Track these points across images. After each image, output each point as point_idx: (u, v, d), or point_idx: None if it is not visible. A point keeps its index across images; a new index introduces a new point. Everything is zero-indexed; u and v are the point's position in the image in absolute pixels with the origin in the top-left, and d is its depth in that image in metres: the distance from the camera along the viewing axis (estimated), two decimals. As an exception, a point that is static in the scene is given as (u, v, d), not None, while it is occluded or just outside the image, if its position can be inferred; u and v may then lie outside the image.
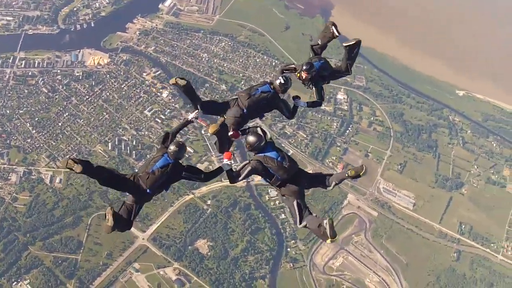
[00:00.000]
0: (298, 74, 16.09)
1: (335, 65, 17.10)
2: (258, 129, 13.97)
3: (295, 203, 13.26)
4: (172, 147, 13.04)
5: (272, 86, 14.92)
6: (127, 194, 13.11)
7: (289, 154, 14.16)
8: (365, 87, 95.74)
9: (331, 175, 13.92)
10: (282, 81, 14.82)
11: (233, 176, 13.25)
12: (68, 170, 12.35)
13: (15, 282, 69.97)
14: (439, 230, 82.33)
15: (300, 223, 13.22)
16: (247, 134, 13.89)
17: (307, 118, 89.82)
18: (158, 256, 73.89)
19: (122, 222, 12.49)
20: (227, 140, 14.18)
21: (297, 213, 13.23)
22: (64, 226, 74.40)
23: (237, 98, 14.71)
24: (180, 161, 13.35)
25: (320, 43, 16.67)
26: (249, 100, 14.50)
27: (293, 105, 15.98)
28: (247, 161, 13.45)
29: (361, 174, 13.26)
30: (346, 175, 13.36)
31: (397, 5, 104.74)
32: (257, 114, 15.20)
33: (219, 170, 13.60)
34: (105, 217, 12.10)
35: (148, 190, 12.79)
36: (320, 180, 14.10)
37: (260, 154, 13.35)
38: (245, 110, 14.45)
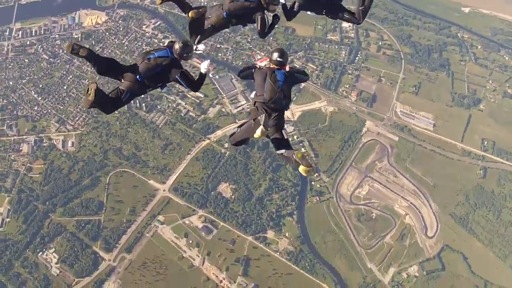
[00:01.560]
0: None
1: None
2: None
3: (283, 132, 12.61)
4: (177, 45, 12.74)
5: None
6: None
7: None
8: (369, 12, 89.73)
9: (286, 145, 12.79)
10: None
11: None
12: (73, 54, 12.06)
13: (40, 252, 67.86)
14: (462, 148, 79.63)
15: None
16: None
17: (314, 50, 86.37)
18: (182, 206, 71.35)
19: (105, 100, 12.18)
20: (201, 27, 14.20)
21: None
22: (82, 188, 71.85)
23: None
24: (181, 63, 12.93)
25: None
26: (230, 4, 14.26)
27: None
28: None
29: (305, 170, 11.92)
30: (293, 155, 12.20)
31: None
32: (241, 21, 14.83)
33: (202, 76, 13.16)
34: (87, 91, 11.77)
35: (138, 77, 12.50)
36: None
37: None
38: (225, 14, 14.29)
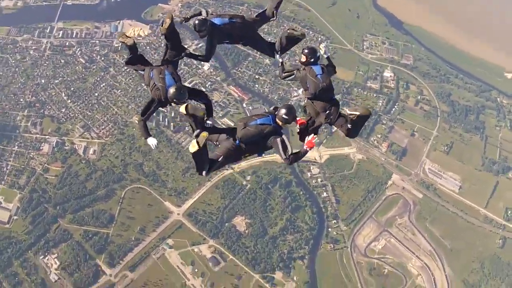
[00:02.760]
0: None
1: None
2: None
3: None
4: (282, 111, 12.00)
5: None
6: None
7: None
8: (412, 65, 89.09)
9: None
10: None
11: None
12: (187, 115, 12.05)
13: (42, 256, 65.98)
14: (485, 215, 75.92)
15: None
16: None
17: (352, 95, 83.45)
18: (193, 233, 68.90)
19: (205, 156, 11.75)
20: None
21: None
22: (96, 199, 69.77)
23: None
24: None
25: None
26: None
27: None
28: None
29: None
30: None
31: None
32: None
33: (304, 151, 12.19)
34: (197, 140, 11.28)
35: (237, 142, 12.08)
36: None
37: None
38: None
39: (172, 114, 76.49)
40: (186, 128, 75.21)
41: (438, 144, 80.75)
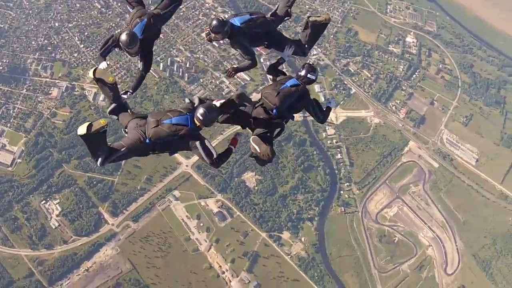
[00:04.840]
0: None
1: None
2: None
3: None
4: (199, 110, 10.13)
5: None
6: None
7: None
8: (435, 33, 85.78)
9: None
10: None
11: None
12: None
13: (43, 201, 63.20)
14: (500, 190, 73.41)
15: None
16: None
17: (373, 58, 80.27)
18: (201, 186, 66.09)
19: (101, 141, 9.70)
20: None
21: None
22: None
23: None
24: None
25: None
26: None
27: None
28: None
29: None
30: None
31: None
32: None
33: (229, 151, 10.82)
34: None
35: (147, 139, 10.21)
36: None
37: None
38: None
39: (187, 65, 73.71)
40: (201, 80, 72.87)
41: (457, 115, 77.78)
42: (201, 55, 75.63)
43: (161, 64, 73.38)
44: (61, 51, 73.87)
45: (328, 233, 66.53)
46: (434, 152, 73.91)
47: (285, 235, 64.92)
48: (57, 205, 62.47)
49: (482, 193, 72.59)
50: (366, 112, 75.03)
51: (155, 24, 11.32)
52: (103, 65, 11.00)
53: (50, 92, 70.39)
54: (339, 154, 70.78)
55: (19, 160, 65.02)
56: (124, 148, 10.09)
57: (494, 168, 74.53)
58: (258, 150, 10.76)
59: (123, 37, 10.54)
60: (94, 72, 10.19)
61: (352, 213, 68.13)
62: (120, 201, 63.64)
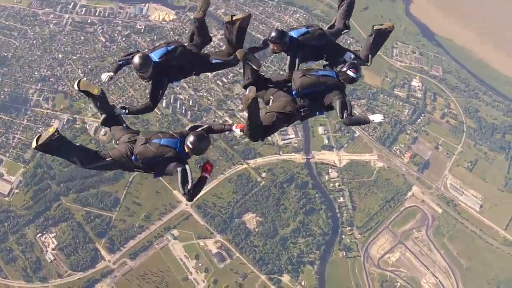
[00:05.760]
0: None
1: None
2: None
3: None
4: (190, 139, 9.99)
5: None
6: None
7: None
8: (441, 77, 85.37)
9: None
10: None
11: None
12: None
13: (39, 234, 62.36)
14: (504, 237, 71.94)
15: None
16: None
17: (378, 101, 79.84)
18: (201, 226, 64.99)
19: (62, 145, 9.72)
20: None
21: None
22: (102, 180, 65.59)
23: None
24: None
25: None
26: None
27: None
28: None
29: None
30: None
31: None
32: None
33: (202, 180, 10.24)
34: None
35: (133, 156, 10.14)
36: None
37: None
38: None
39: (190, 103, 73.49)
40: (204, 118, 72.33)
41: (461, 160, 76.84)
42: (205, 93, 75.29)
43: (164, 101, 73.11)
44: (64, 83, 73.65)
45: (329, 277, 65.15)
46: (437, 198, 72.76)
47: (285, 278, 63.54)
48: (53, 239, 61.64)
49: (486, 239, 71.17)
50: (369, 156, 74.34)
51: (182, 56, 11.30)
52: (104, 76, 11.11)
53: (51, 123, 69.55)
54: (341, 198, 69.86)
55: (16, 191, 64.22)
56: (110, 159, 10.03)
57: (498, 214, 73.15)
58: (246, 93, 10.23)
59: (136, 59, 10.43)
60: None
61: (354, 258, 66.85)
62: (117, 237, 62.64)
